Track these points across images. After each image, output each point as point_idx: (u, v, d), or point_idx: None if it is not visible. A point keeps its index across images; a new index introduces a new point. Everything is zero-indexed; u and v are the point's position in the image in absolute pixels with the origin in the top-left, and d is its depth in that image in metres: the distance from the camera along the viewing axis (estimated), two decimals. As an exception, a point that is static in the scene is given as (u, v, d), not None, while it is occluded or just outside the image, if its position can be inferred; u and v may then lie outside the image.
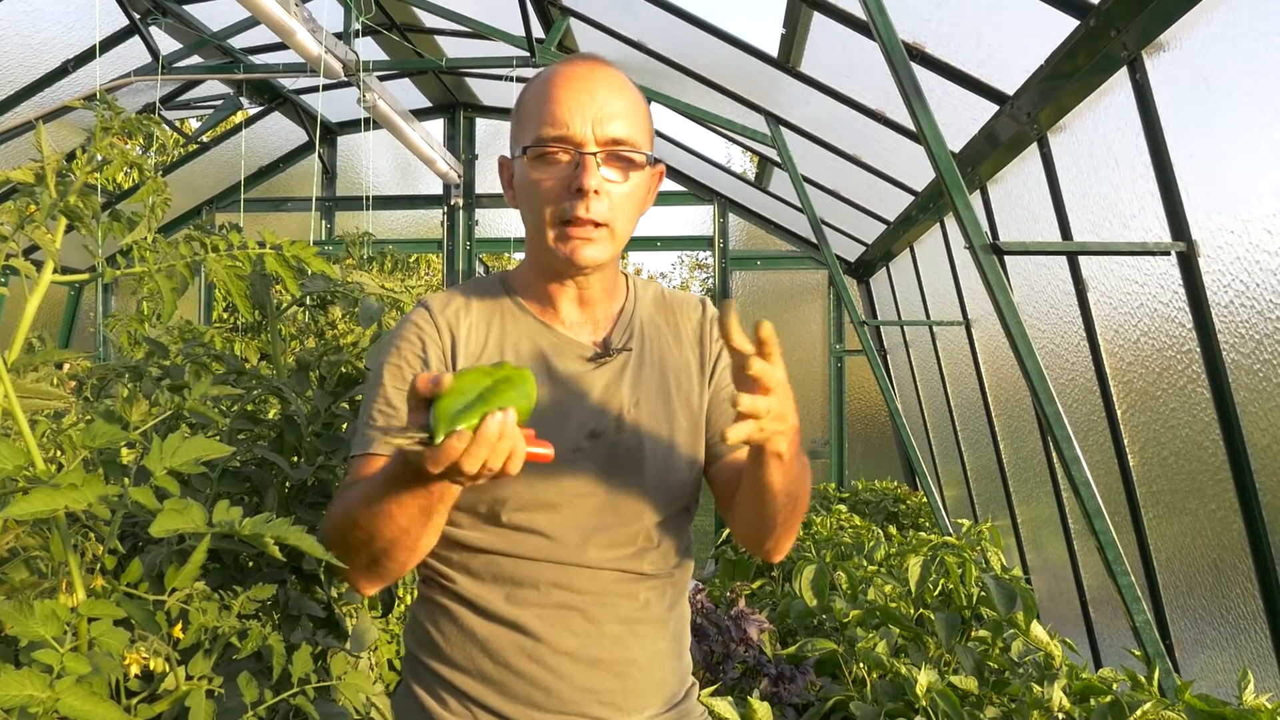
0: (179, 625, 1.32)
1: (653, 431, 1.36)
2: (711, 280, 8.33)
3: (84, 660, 1.07)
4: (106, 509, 1.08)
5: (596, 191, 1.28)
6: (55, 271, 1.29)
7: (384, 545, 1.19)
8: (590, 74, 1.32)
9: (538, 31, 5.71)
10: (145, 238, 1.39)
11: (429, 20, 6.58)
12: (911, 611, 3.24)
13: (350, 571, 1.27)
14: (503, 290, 1.42)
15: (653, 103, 5.87)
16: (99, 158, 1.38)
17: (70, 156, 1.36)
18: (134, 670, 1.20)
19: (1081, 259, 3.50)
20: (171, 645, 1.29)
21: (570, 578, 1.31)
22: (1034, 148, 3.66)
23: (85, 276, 1.37)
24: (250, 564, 1.90)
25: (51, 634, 1.07)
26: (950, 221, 5.15)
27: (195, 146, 8.06)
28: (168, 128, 7.75)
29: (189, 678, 1.28)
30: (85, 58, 5.89)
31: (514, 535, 1.31)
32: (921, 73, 3.63)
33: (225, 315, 7.97)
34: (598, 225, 1.29)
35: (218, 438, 1.99)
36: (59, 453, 1.79)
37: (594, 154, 1.28)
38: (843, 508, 6.05)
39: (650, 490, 1.35)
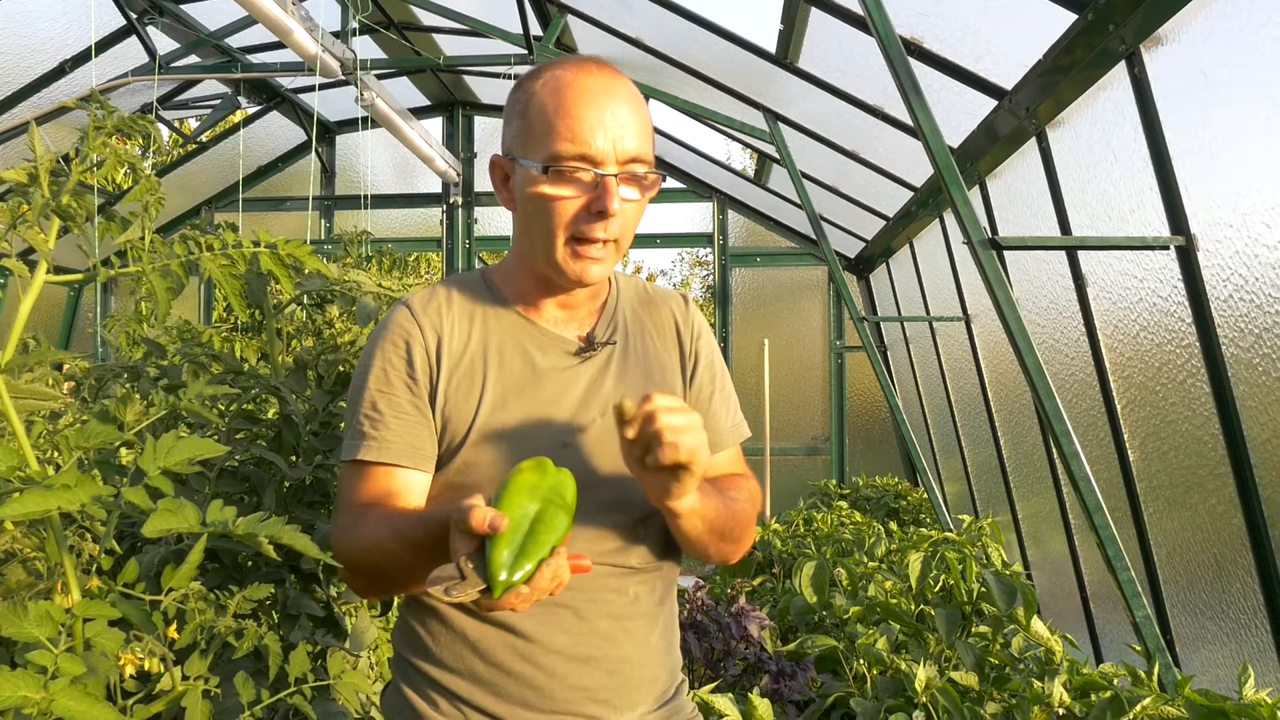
0: (174, 625, 1.32)
1: None
2: (712, 277, 8.33)
3: (78, 661, 1.06)
4: (101, 509, 1.08)
5: (615, 213, 1.27)
6: (50, 272, 1.29)
7: (403, 584, 1.25)
8: (607, 88, 1.29)
9: (535, 29, 5.71)
10: (140, 237, 1.38)
11: (427, 18, 6.57)
12: (912, 607, 3.24)
13: (359, 588, 1.32)
14: (485, 286, 1.41)
15: (651, 100, 5.86)
16: (95, 158, 1.38)
17: (68, 158, 1.35)
18: (129, 671, 1.20)
19: (1080, 254, 3.50)
20: (167, 645, 1.29)
21: None
22: (1032, 142, 3.65)
23: (80, 277, 1.36)
24: (249, 563, 1.90)
25: (46, 635, 1.07)
26: (950, 217, 5.15)
27: (194, 146, 8.05)
28: (164, 127, 7.74)
29: (185, 678, 1.28)
30: (83, 58, 5.89)
31: None
32: (919, 68, 3.63)
33: (225, 315, 7.98)
34: (610, 243, 1.30)
35: (215, 437, 1.99)
36: (55, 453, 1.79)
37: (614, 175, 1.27)
38: (844, 504, 6.05)
39: (636, 483, 1.34)
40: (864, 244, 6.98)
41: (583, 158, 1.26)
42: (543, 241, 1.31)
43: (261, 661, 1.57)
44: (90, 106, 1.35)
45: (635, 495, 1.34)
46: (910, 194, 5.29)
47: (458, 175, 8.18)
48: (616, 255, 1.32)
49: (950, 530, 5.13)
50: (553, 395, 1.34)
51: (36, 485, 1.05)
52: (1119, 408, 3.43)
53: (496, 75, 7.13)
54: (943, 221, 5.29)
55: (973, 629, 3.16)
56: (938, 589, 3.29)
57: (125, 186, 7.26)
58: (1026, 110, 3.43)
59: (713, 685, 2.66)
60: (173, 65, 6.32)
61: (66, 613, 1.11)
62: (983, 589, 3.17)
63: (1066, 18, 2.86)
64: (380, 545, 1.22)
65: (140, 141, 1.54)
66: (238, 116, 7.88)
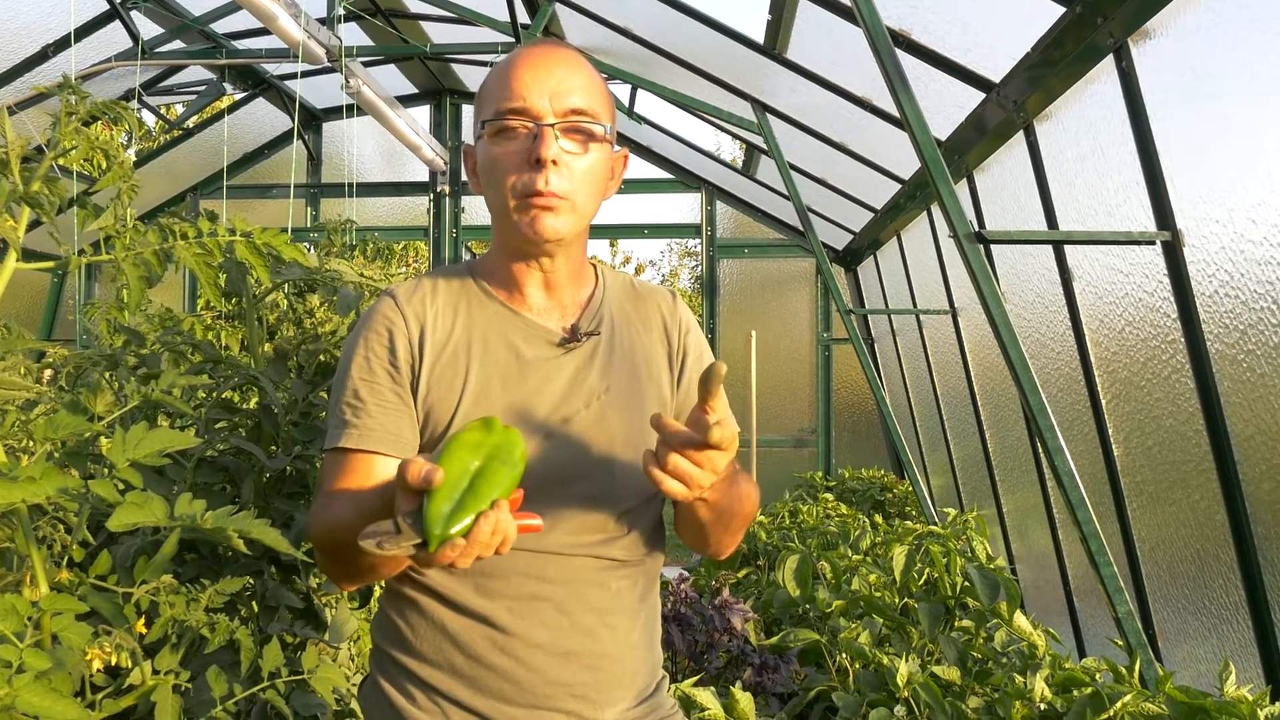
0: (142, 620, 1.30)
1: (623, 417, 1.35)
2: (700, 268, 8.32)
3: (44, 656, 1.04)
4: (70, 502, 1.06)
5: (555, 162, 1.26)
6: (20, 259, 1.27)
7: (370, 565, 1.21)
8: (548, 52, 1.32)
9: (523, 17, 5.68)
10: (113, 225, 1.36)
11: (414, 5, 6.53)
12: (896, 601, 3.24)
13: (332, 573, 1.30)
14: (470, 277, 1.40)
15: (639, 89, 5.84)
16: (67, 144, 1.35)
17: (43, 146, 1.33)
18: (96, 665, 1.18)
19: (1067, 248, 3.49)
20: (137, 640, 1.27)
21: (540, 567, 1.30)
22: (1020, 136, 3.64)
23: (50, 264, 1.34)
24: (229, 554, 1.88)
25: (11, 629, 1.05)
26: (937, 210, 5.14)
27: (179, 133, 7.99)
28: (149, 113, 7.68)
29: (156, 672, 1.26)
30: (66, 42, 5.83)
31: None
32: (908, 60, 3.61)
33: (216, 300, 7.92)
34: (558, 197, 1.28)
35: (194, 427, 1.97)
36: (30, 443, 1.77)
37: (552, 125, 1.27)
38: (829, 496, 6.05)
39: (620, 476, 1.33)
40: (852, 236, 6.98)
41: (520, 111, 1.28)
42: (497, 203, 1.32)
43: (239, 654, 1.55)
44: (62, 92, 1.33)
45: (619, 488, 1.33)
46: (898, 186, 5.28)
47: (445, 164, 8.14)
48: (573, 214, 1.30)
49: (935, 523, 5.14)
50: (536, 386, 1.33)
51: (2, 477, 1.03)
52: (1104, 403, 3.43)
53: (485, 64, 7.10)
54: (930, 214, 5.29)
55: (956, 623, 3.16)
56: (921, 582, 3.29)
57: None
58: (1015, 103, 3.42)
59: (695, 678, 2.66)
60: (157, 50, 6.26)
61: (33, 606, 1.10)
62: (966, 583, 3.17)
63: (1055, 10, 2.85)
64: (344, 522, 1.21)
65: (127, 127, 1.52)
66: (223, 103, 7.81)
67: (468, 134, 8.51)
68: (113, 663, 1.20)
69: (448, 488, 1.02)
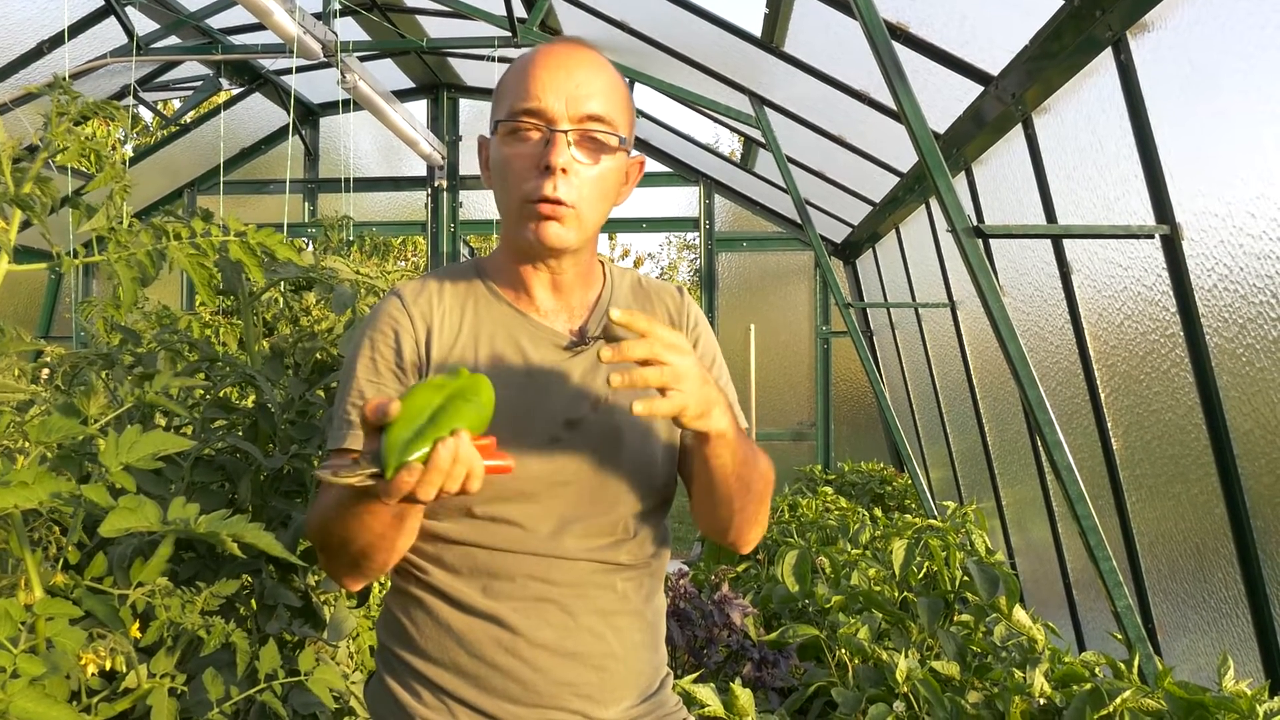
0: (137, 624, 1.29)
1: (630, 421, 1.34)
2: (699, 261, 8.31)
3: (39, 661, 1.04)
4: (64, 505, 1.05)
5: (565, 170, 1.25)
6: (11, 260, 1.26)
7: (361, 548, 1.20)
8: (569, 53, 1.29)
9: (520, 11, 5.66)
10: (106, 225, 1.35)
11: (410, 0, 6.51)
12: (895, 595, 3.23)
13: (332, 570, 1.29)
14: (477, 276, 1.39)
15: (636, 83, 5.82)
16: (58, 144, 1.34)
17: (34, 146, 1.33)
18: (91, 669, 1.17)
19: (1066, 242, 3.48)
20: (133, 643, 1.27)
21: (546, 569, 1.30)
22: (1019, 129, 3.63)
23: (41, 266, 1.33)
24: (225, 553, 1.87)
25: (6, 634, 1.05)
26: (936, 203, 5.13)
27: (175, 128, 7.96)
28: (146, 109, 7.66)
29: (151, 675, 1.26)
30: (61, 39, 5.81)
31: (489, 526, 1.30)
32: (905, 53, 3.60)
33: (210, 300, 7.90)
34: (565, 206, 1.26)
35: (190, 428, 1.96)
36: (25, 443, 1.76)
37: (565, 131, 1.25)
38: (829, 490, 6.05)
39: (627, 480, 1.33)
40: (850, 229, 6.97)
41: (534, 113, 1.26)
42: (505, 205, 1.31)
43: (236, 656, 1.54)
44: (54, 92, 1.32)
45: (625, 492, 1.33)
46: (897, 179, 5.27)
47: (443, 158, 8.13)
48: (579, 223, 1.29)
49: (935, 516, 5.13)
50: (544, 388, 1.32)
51: (-5, 481, 1.02)
52: (1103, 396, 3.43)
53: (482, 58, 7.08)
54: (929, 207, 5.28)
55: (955, 617, 3.15)
56: (921, 577, 3.29)
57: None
58: (1013, 96, 3.41)
59: (695, 674, 2.66)
60: (152, 46, 6.23)
61: (28, 610, 1.09)
62: (966, 577, 3.16)
63: (1054, 3, 2.84)
64: (324, 516, 1.21)
65: (123, 124, 1.52)
66: (220, 98, 7.79)
67: (465, 128, 8.49)
68: (108, 667, 1.20)
69: (406, 419, 1.01)
